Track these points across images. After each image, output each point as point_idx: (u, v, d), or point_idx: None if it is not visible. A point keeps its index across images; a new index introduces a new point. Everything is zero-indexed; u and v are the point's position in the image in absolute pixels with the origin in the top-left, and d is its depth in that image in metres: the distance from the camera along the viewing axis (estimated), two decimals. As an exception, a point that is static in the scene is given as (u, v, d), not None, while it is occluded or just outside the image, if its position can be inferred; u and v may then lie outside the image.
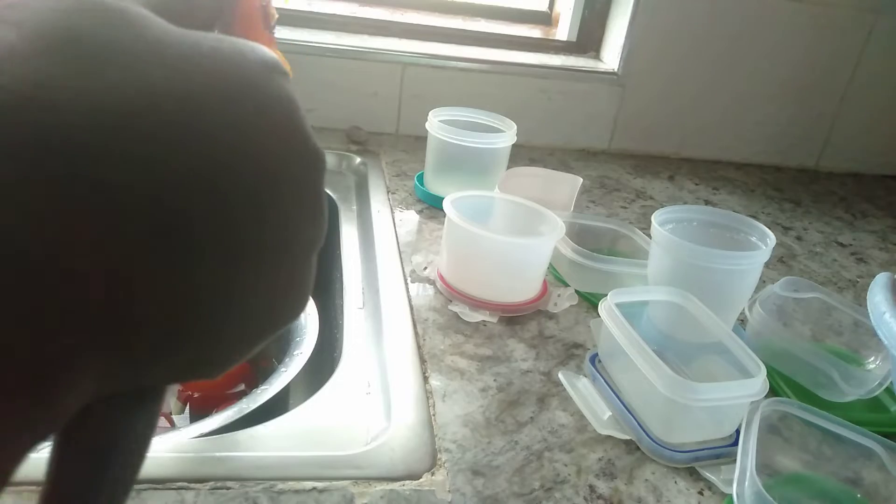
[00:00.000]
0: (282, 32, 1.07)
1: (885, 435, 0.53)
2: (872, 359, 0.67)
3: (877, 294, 0.50)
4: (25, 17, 0.14)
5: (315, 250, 0.18)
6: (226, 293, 0.16)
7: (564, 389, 0.59)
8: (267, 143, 0.16)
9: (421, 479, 0.48)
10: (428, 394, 0.56)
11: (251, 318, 0.17)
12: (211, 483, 0.45)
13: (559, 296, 0.72)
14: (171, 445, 0.48)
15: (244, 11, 0.25)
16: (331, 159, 1.00)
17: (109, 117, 0.13)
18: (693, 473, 0.52)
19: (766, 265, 0.66)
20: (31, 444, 0.14)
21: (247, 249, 0.16)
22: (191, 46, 0.15)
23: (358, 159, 1.01)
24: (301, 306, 0.19)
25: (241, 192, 0.15)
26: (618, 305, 0.58)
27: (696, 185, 1.17)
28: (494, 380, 0.59)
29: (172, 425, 0.70)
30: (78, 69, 0.13)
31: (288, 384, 0.60)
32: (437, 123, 0.88)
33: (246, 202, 0.15)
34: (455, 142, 0.86)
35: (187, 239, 0.14)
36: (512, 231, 0.73)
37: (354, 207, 0.91)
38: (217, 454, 0.47)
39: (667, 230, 0.65)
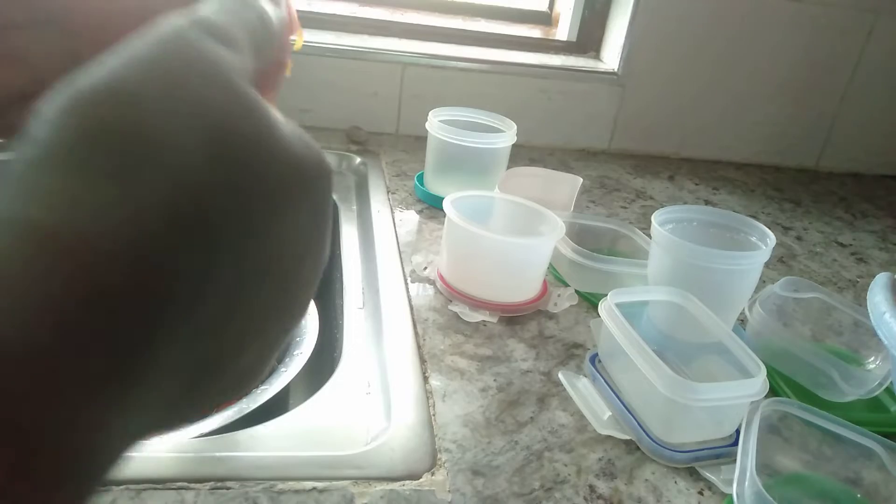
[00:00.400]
0: (282, 32, 1.07)
1: (886, 435, 0.53)
2: (872, 359, 0.67)
3: (877, 294, 0.50)
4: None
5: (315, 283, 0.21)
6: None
7: (564, 389, 0.59)
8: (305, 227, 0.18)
9: (421, 479, 0.48)
10: (428, 394, 0.56)
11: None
12: (211, 483, 0.45)
13: (559, 296, 0.72)
14: (171, 445, 0.48)
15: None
16: (331, 159, 1.00)
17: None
18: (693, 473, 0.52)
19: (766, 265, 0.66)
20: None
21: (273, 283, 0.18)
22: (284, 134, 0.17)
23: (358, 159, 1.01)
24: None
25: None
26: (618, 305, 0.58)
27: (696, 185, 1.17)
28: (494, 380, 0.59)
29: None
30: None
31: (288, 384, 0.60)
32: (437, 123, 0.88)
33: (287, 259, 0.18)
34: (455, 142, 0.86)
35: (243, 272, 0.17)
36: (512, 231, 0.73)
37: (354, 207, 0.91)
38: (217, 454, 0.47)
39: (667, 230, 0.65)
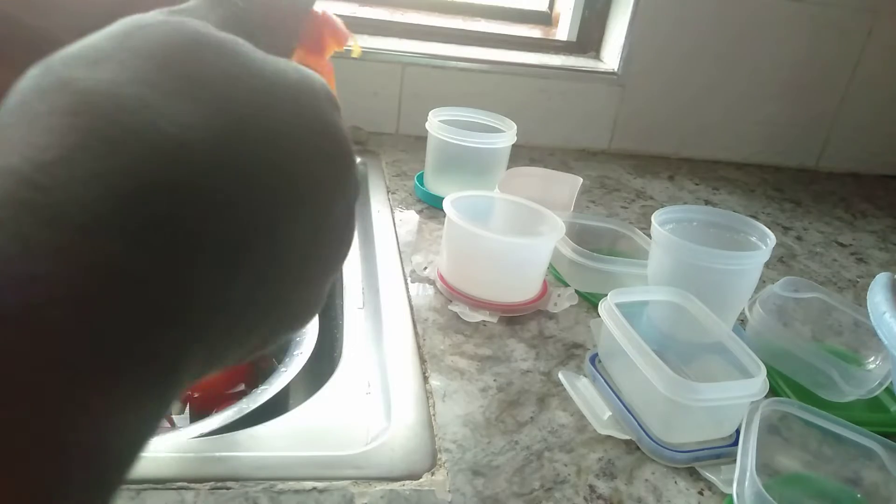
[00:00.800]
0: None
1: (885, 435, 0.53)
2: (872, 359, 0.67)
3: (877, 294, 0.50)
4: (134, 45, 0.16)
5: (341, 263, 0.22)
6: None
7: (564, 389, 0.59)
8: (328, 177, 0.19)
9: (421, 479, 0.48)
10: (428, 394, 0.56)
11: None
12: (211, 483, 0.45)
13: (559, 296, 0.72)
14: (171, 445, 0.48)
15: (308, 36, 0.25)
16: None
17: (207, 141, 0.16)
18: (693, 473, 0.52)
19: (766, 265, 0.66)
20: (159, 416, 0.16)
21: (299, 253, 0.19)
22: (276, 75, 0.18)
23: (358, 159, 1.01)
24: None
25: (301, 208, 0.18)
26: (618, 305, 0.58)
27: (696, 185, 1.17)
28: (494, 380, 0.59)
29: (172, 425, 0.70)
30: (177, 91, 0.16)
31: (288, 384, 0.60)
32: (437, 123, 0.88)
33: (306, 218, 0.18)
34: (455, 142, 0.86)
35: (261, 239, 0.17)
36: (512, 231, 0.73)
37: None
38: (217, 454, 0.47)
39: (667, 230, 0.65)
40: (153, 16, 0.18)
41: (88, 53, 0.16)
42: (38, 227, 0.13)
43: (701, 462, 0.53)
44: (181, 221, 0.15)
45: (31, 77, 0.16)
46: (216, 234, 0.16)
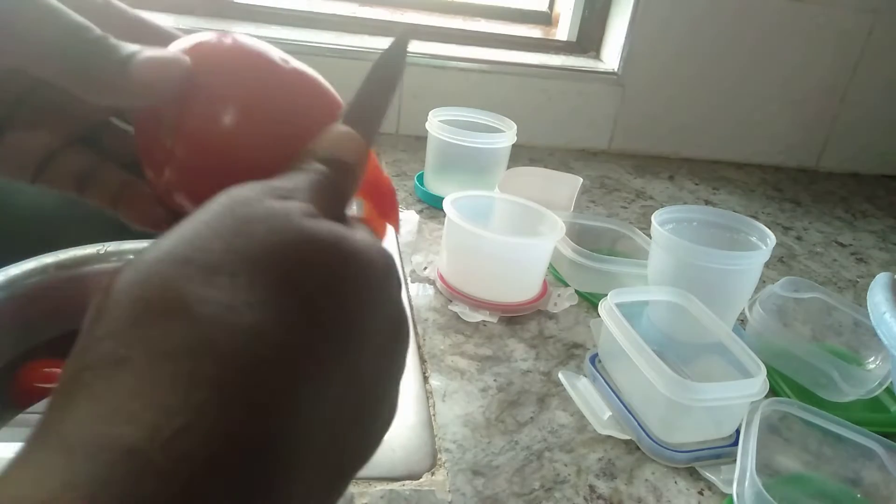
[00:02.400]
0: (281, 32, 1.07)
1: (886, 435, 0.53)
2: (872, 359, 0.67)
3: (877, 294, 0.50)
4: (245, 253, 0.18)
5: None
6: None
7: (564, 389, 0.59)
8: (390, 359, 0.21)
9: (421, 479, 0.48)
10: (428, 394, 0.56)
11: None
12: (211, 483, 0.45)
13: (559, 296, 0.72)
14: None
15: (372, 189, 0.28)
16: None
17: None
18: (693, 473, 0.52)
19: (766, 265, 0.66)
20: None
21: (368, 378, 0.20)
22: (359, 267, 0.20)
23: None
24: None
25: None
26: (618, 305, 0.58)
27: (696, 185, 1.17)
28: (494, 380, 0.59)
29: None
30: (288, 312, 0.17)
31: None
32: (437, 123, 0.88)
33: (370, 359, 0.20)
34: (455, 142, 0.86)
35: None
36: (512, 231, 0.73)
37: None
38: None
39: (667, 230, 0.65)
40: (257, 201, 0.19)
41: (199, 258, 0.17)
42: None
43: (701, 462, 0.53)
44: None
45: (136, 284, 0.17)
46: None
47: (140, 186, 0.29)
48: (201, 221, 0.18)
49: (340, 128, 0.24)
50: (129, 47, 0.23)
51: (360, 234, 0.20)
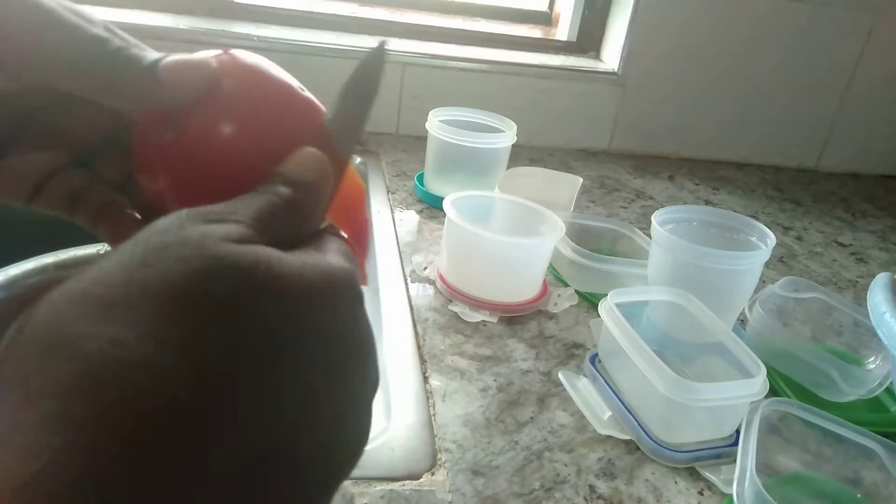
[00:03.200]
0: (281, 32, 1.07)
1: (886, 435, 0.53)
2: (872, 359, 0.67)
3: (877, 294, 0.50)
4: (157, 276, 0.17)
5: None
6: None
7: (564, 389, 0.59)
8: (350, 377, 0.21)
9: (421, 479, 0.48)
10: (428, 394, 0.56)
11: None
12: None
13: (559, 296, 0.72)
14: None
15: (342, 199, 0.28)
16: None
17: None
18: (693, 473, 0.52)
19: (766, 265, 0.66)
20: None
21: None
22: (296, 293, 0.19)
23: (358, 159, 1.01)
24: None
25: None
26: (618, 305, 0.58)
27: (696, 185, 1.17)
28: (494, 380, 0.59)
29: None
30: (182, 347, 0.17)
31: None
32: (437, 123, 0.88)
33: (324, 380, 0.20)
34: (455, 142, 0.86)
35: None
36: (512, 231, 0.73)
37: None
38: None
39: (667, 230, 0.65)
40: (176, 228, 0.19)
41: (95, 292, 0.17)
42: None
43: (701, 462, 0.53)
44: None
45: (37, 322, 0.17)
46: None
47: (121, 207, 0.29)
48: (112, 255, 0.18)
49: (307, 149, 0.24)
50: (152, 54, 0.24)
51: (294, 257, 0.20)
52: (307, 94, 0.27)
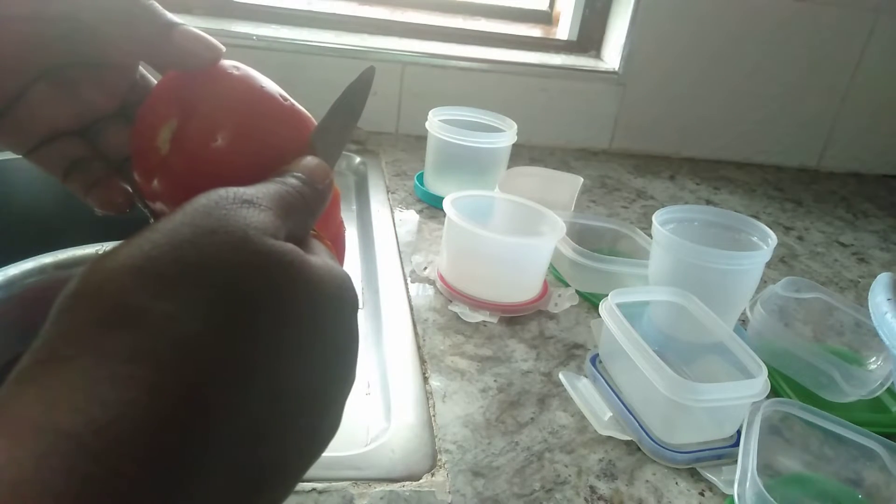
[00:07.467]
0: (281, 31, 1.07)
1: (887, 435, 0.53)
2: (874, 359, 0.67)
3: (878, 294, 0.50)
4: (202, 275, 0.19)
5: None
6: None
7: (565, 390, 0.59)
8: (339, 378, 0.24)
9: (421, 480, 0.47)
10: (428, 394, 0.56)
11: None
12: (210, 484, 0.44)
13: (560, 296, 0.72)
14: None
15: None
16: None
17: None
18: (694, 474, 0.52)
19: (768, 265, 0.66)
20: None
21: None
22: (314, 296, 0.21)
23: (357, 159, 1.01)
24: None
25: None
26: (618, 305, 0.57)
27: (697, 184, 1.17)
28: (495, 380, 0.59)
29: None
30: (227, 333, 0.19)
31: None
32: (436, 123, 0.87)
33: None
34: (455, 141, 0.86)
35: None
36: (512, 231, 0.73)
37: (354, 207, 0.90)
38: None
39: (668, 230, 0.65)
40: (218, 209, 0.20)
41: (150, 268, 0.19)
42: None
43: (702, 463, 0.53)
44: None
45: (92, 290, 0.19)
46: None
47: (114, 177, 0.31)
48: (161, 231, 0.19)
49: (312, 158, 0.26)
50: (175, 17, 0.26)
51: (315, 258, 0.22)
52: (291, 102, 0.29)
